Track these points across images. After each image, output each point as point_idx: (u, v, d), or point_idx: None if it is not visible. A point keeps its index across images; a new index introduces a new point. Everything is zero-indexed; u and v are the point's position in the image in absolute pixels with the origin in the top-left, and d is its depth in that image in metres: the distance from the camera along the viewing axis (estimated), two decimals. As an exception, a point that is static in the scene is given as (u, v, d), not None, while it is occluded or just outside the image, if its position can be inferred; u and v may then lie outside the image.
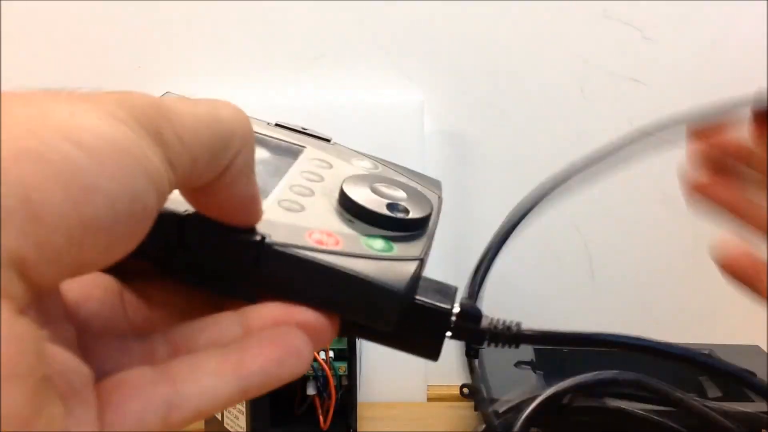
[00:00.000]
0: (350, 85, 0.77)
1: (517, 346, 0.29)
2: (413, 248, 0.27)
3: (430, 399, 0.77)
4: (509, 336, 0.29)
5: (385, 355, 0.84)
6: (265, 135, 0.32)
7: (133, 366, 0.21)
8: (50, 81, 0.77)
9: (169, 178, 0.20)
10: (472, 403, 0.64)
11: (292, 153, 0.31)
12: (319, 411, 0.63)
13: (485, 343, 0.29)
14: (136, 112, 0.19)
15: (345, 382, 0.64)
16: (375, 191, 0.28)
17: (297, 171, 0.29)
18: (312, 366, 0.63)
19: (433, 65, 0.77)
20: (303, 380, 0.64)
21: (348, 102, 0.75)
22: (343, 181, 0.28)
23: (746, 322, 0.77)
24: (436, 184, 0.33)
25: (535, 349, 0.70)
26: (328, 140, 0.33)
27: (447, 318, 0.27)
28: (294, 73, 0.77)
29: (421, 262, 0.26)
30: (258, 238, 0.23)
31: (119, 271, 0.23)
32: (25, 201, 0.16)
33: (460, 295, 0.29)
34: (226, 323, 0.23)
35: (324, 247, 0.24)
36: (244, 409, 0.58)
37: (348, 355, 0.64)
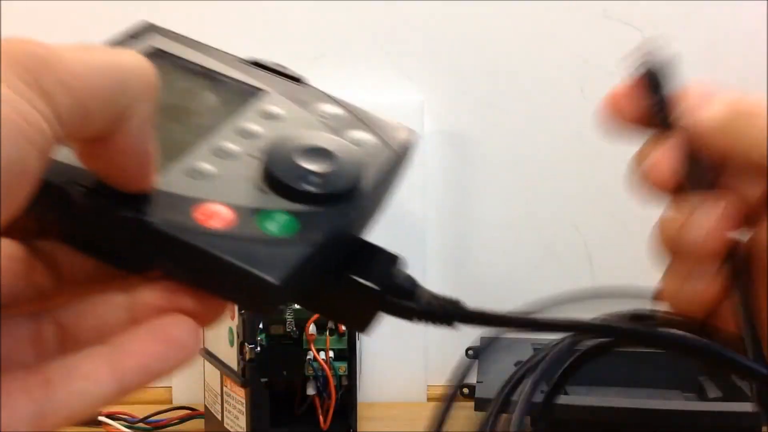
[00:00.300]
0: (350, 85, 0.77)
1: (451, 325, 0.27)
2: (318, 229, 0.24)
3: (430, 399, 0.77)
4: (444, 314, 0.27)
5: (385, 355, 0.85)
6: (221, 75, 0.29)
7: (17, 351, 0.21)
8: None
9: (54, 131, 0.19)
10: (472, 403, 0.64)
11: (242, 100, 0.28)
12: (319, 411, 0.63)
13: (417, 320, 0.27)
14: (14, 64, 0.18)
15: (345, 382, 0.64)
16: (299, 156, 0.25)
17: (234, 125, 0.27)
18: (312, 366, 0.63)
19: (433, 65, 0.77)
20: (303, 380, 0.64)
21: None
22: (271, 143, 0.26)
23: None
24: (402, 138, 0.29)
25: (534, 349, 0.70)
26: (297, 80, 0.30)
27: (378, 294, 0.25)
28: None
29: (323, 246, 0.23)
30: (135, 214, 0.22)
31: (29, 235, 0.23)
32: None
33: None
34: (112, 307, 0.22)
35: (204, 227, 0.22)
36: (244, 409, 0.58)
37: (348, 355, 0.64)
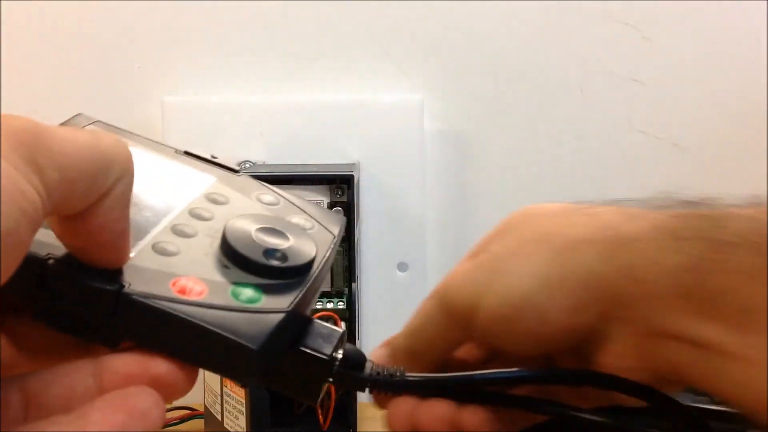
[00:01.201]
0: (350, 85, 0.77)
1: (400, 394, 0.29)
2: (283, 299, 0.25)
3: (430, 399, 0.77)
4: (392, 383, 0.29)
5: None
6: (167, 164, 0.31)
7: None
8: (51, 81, 0.77)
9: (44, 205, 0.20)
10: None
11: (189, 185, 0.30)
12: (319, 411, 0.63)
13: (366, 390, 0.29)
14: (12, 139, 0.19)
15: (345, 382, 0.64)
16: (257, 235, 0.27)
17: (187, 208, 0.29)
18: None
19: (433, 65, 0.77)
20: (303, 380, 0.64)
21: (348, 102, 0.75)
22: (227, 222, 0.28)
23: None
24: (336, 222, 0.32)
25: None
26: (236, 171, 0.32)
27: (328, 365, 0.27)
28: (294, 73, 0.77)
29: (289, 314, 0.25)
30: (115, 287, 0.23)
31: None
32: None
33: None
34: (80, 375, 0.22)
35: (184, 298, 0.24)
36: (244, 410, 0.58)
37: (348, 355, 0.64)
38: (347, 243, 0.64)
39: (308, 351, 0.27)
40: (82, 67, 0.77)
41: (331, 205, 0.64)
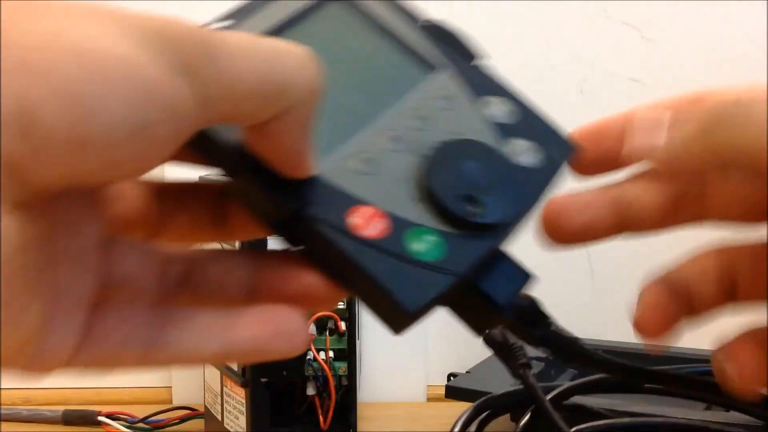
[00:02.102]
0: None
1: (568, 362, 0.28)
2: (463, 259, 0.23)
3: (430, 399, 0.77)
4: (562, 349, 0.27)
5: (385, 355, 0.85)
6: (400, 39, 0.27)
7: (142, 279, 0.22)
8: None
9: (201, 113, 0.19)
10: (472, 403, 0.64)
11: (415, 78, 0.26)
12: (319, 411, 0.63)
13: (536, 346, 0.27)
14: (171, 45, 0.19)
15: (345, 382, 0.64)
16: (460, 172, 0.24)
17: (402, 110, 0.25)
18: (312, 366, 0.63)
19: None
20: (303, 380, 0.64)
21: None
22: (433, 145, 0.24)
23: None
24: (566, 144, 0.27)
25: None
26: (472, 58, 0.28)
27: (500, 313, 0.25)
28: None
29: (463, 278, 0.23)
30: (288, 203, 0.22)
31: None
32: (21, 110, 0.17)
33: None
34: (238, 263, 0.23)
35: (354, 233, 0.22)
36: (244, 410, 0.58)
37: (348, 355, 0.64)
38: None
39: (483, 292, 0.24)
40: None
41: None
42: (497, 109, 0.27)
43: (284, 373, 0.64)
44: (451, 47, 0.28)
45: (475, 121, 0.26)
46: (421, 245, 0.23)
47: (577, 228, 0.27)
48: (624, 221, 0.27)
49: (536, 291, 0.86)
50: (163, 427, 0.68)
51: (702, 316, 0.27)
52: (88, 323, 0.21)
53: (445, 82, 0.26)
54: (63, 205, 0.20)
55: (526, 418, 0.48)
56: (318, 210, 0.22)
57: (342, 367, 0.64)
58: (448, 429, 0.69)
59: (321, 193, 0.23)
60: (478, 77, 0.27)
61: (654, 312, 0.26)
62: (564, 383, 0.53)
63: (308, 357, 0.63)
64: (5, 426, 0.70)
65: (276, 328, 0.22)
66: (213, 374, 0.63)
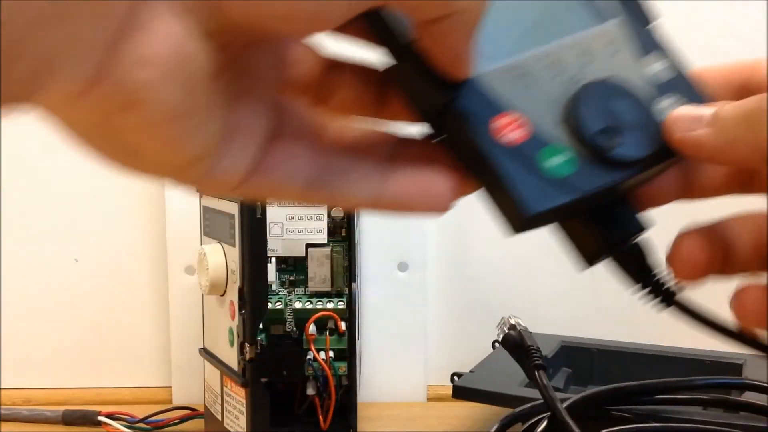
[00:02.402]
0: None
1: (667, 306, 0.29)
2: (585, 183, 0.25)
3: (430, 399, 0.77)
4: (663, 295, 0.29)
5: (385, 355, 0.85)
6: None
7: (309, 129, 0.25)
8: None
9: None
10: (471, 403, 0.64)
11: (586, 21, 0.28)
12: (319, 411, 0.63)
13: (639, 287, 0.29)
14: None
15: (345, 382, 0.64)
16: (610, 107, 0.26)
17: (565, 43, 0.26)
18: (312, 366, 0.63)
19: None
20: (303, 380, 0.64)
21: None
22: (591, 79, 0.26)
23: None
24: None
25: (561, 346, 0.70)
26: (647, 22, 0.29)
27: (609, 248, 0.28)
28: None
29: (580, 200, 0.25)
30: (443, 97, 0.24)
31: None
32: None
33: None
34: (381, 134, 0.26)
35: (496, 135, 0.24)
36: (244, 410, 0.58)
37: (348, 355, 0.64)
38: (347, 243, 0.64)
39: (598, 224, 0.27)
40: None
41: (331, 205, 0.64)
42: (657, 66, 0.28)
43: (284, 373, 0.64)
44: (630, 7, 0.29)
45: (633, 70, 0.27)
46: (553, 160, 0.25)
47: None
48: (688, 187, 0.29)
49: (537, 290, 0.86)
50: (163, 427, 0.68)
51: (733, 275, 0.28)
52: (260, 156, 0.24)
53: (615, 31, 0.28)
54: (252, 57, 0.23)
55: (543, 425, 0.48)
56: (467, 107, 0.24)
57: (342, 367, 0.64)
58: (448, 429, 0.69)
59: (474, 94, 0.25)
60: (648, 37, 0.28)
61: (688, 254, 0.27)
62: (583, 392, 0.53)
63: (308, 357, 0.63)
64: (5, 426, 0.70)
65: (425, 188, 0.25)
66: (213, 374, 0.63)
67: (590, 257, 0.29)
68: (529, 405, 0.51)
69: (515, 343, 0.50)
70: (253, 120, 0.24)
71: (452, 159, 0.25)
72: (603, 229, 0.27)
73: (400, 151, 0.26)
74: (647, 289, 0.29)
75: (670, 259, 0.28)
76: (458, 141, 0.25)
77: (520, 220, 0.25)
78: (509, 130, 0.25)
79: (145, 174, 0.23)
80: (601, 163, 0.25)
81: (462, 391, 0.62)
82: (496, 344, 0.72)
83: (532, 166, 0.24)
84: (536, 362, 0.49)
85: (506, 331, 0.51)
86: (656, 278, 0.29)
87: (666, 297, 0.29)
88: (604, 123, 0.25)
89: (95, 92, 0.20)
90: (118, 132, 0.22)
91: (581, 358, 0.70)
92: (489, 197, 0.25)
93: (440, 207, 0.25)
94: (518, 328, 0.51)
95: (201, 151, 0.22)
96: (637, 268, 0.29)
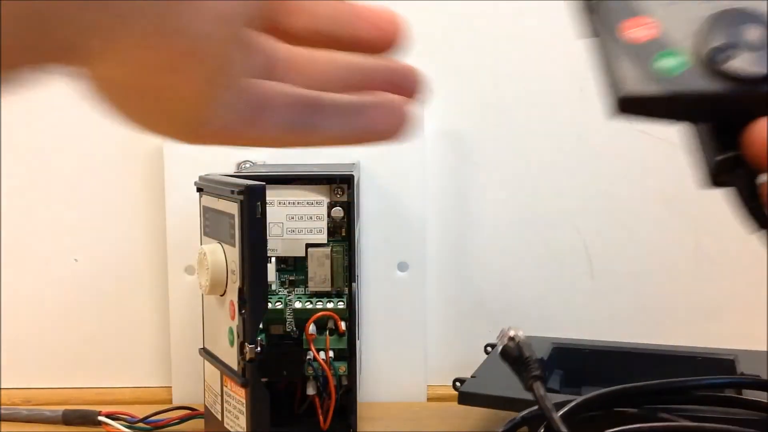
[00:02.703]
0: (350, 85, 0.77)
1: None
2: (693, 84, 0.27)
3: (430, 399, 0.77)
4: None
5: (385, 355, 0.84)
6: None
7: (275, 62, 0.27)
8: (51, 80, 0.77)
9: None
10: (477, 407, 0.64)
11: None
12: (319, 411, 0.63)
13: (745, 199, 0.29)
14: None
15: (345, 382, 0.64)
16: (740, 29, 0.28)
17: None
18: (312, 366, 0.63)
19: (433, 65, 0.77)
20: (303, 380, 0.64)
21: (348, 102, 0.75)
22: (730, 6, 0.29)
23: (747, 323, 0.77)
24: None
25: (553, 348, 0.70)
26: None
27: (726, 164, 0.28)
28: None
29: (672, 99, 0.27)
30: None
31: None
32: None
33: None
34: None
35: (622, 32, 0.28)
36: (244, 410, 0.58)
37: (348, 355, 0.64)
38: (347, 243, 0.64)
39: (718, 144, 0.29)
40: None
41: (331, 205, 0.64)
42: None
43: (284, 373, 0.64)
44: None
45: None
46: (666, 61, 0.28)
47: None
48: None
49: (536, 291, 0.86)
50: (163, 427, 0.68)
51: None
52: (257, 108, 0.25)
53: None
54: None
55: None
56: (611, 5, 0.28)
57: (342, 367, 0.64)
58: (448, 429, 0.69)
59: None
60: None
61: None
62: (578, 398, 0.53)
63: (308, 357, 0.63)
64: (5, 426, 0.70)
65: (391, 117, 0.28)
66: (213, 374, 0.63)
67: (711, 176, 0.30)
68: (536, 407, 0.51)
69: (514, 357, 0.51)
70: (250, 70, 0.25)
71: (416, 82, 0.29)
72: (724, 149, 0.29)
73: (366, 79, 0.28)
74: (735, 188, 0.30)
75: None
76: (592, 32, 0.29)
77: (616, 99, 0.28)
78: (638, 30, 0.28)
79: (158, 133, 0.25)
80: (709, 72, 0.27)
81: (468, 397, 0.62)
82: (489, 348, 0.72)
83: (644, 61, 0.27)
84: (534, 374, 0.49)
85: (506, 343, 0.51)
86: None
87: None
88: (727, 40, 0.28)
89: (163, 41, 0.22)
90: (161, 88, 0.23)
91: (573, 360, 0.70)
92: (602, 76, 0.29)
93: (403, 133, 0.28)
94: (517, 339, 0.51)
95: (224, 110, 0.24)
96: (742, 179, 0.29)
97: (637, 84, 0.27)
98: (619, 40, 0.28)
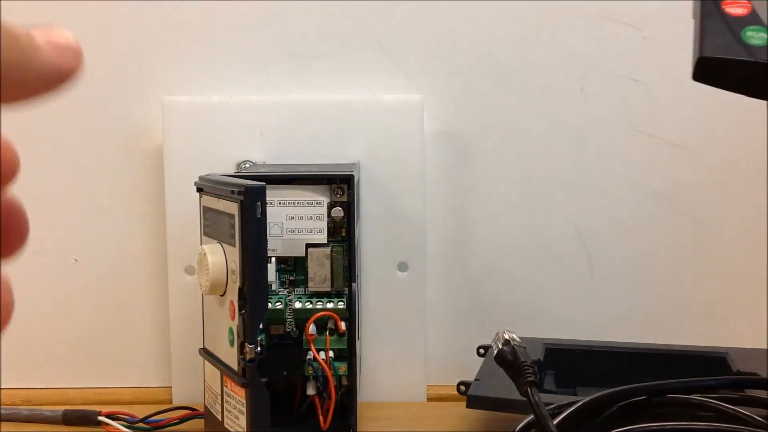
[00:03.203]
0: (350, 85, 0.77)
1: None
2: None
3: (430, 399, 0.77)
4: None
5: (385, 355, 0.84)
6: None
7: None
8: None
9: None
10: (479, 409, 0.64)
11: None
12: (319, 411, 0.63)
13: None
14: None
15: (345, 382, 0.64)
16: None
17: None
18: (312, 366, 0.63)
19: (432, 65, 0.77)
20: (303, 380, 0.64)
21: (348, 102, 0.75)
22: None
23: (747, 322, 0.77)
24: None
25: (545, 349, 0.70)
26: None
27: None
28: (294, 73, 0.77)
29: (755, 64, 0.31)
30: None
31: None
32: None
33: None
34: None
35: (723, 5, 0.32)
36: (244, 410, 0.58)
37: (348, 355, 0.64)
38: (347, 243, 0.64)
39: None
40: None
41: (331, 205, 0.64)
42: None
43: (284, 373, 0.64)
44: None
45: None
46: (753, 34, 0.32)
47: None
48: None
49: (536, 291, 0.86)
50: (163, 427, 0.68)
51: None
52: None
53: None
54: None
55: None
56: None
57: (342, 367, 0.64)
58: (448, 429, 0.69)
59: None
60: None
61: None
62: (574, 401, 0.53)
63: (308, 357, 0.63)
64: (5, 426, 0.70)
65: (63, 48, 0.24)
66: (213, 374, 0.63)
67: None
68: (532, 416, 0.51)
69: (509, 361, 0.51)
70: None
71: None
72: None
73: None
74: None
75: None
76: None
77: (698, 58, 0.31)
78: (735, 6, 0.31)
79: None
80: None
81: (477, 400, 0.62)
82: (481, 350, 0.72)
83: (733, 31, 0.31)
84: (528, 379, 0.49)
85: (500, 347, 0.51)
86: None
87: None
88: None
89: None
90: None
91: (566, 360, 0.70)
92: (694, 44, 0.32)
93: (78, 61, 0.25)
94: (512, 343, 0.51)
95: None
96: None
97: (719, 48, 0.31)
98: (718, 10, 0.32)
